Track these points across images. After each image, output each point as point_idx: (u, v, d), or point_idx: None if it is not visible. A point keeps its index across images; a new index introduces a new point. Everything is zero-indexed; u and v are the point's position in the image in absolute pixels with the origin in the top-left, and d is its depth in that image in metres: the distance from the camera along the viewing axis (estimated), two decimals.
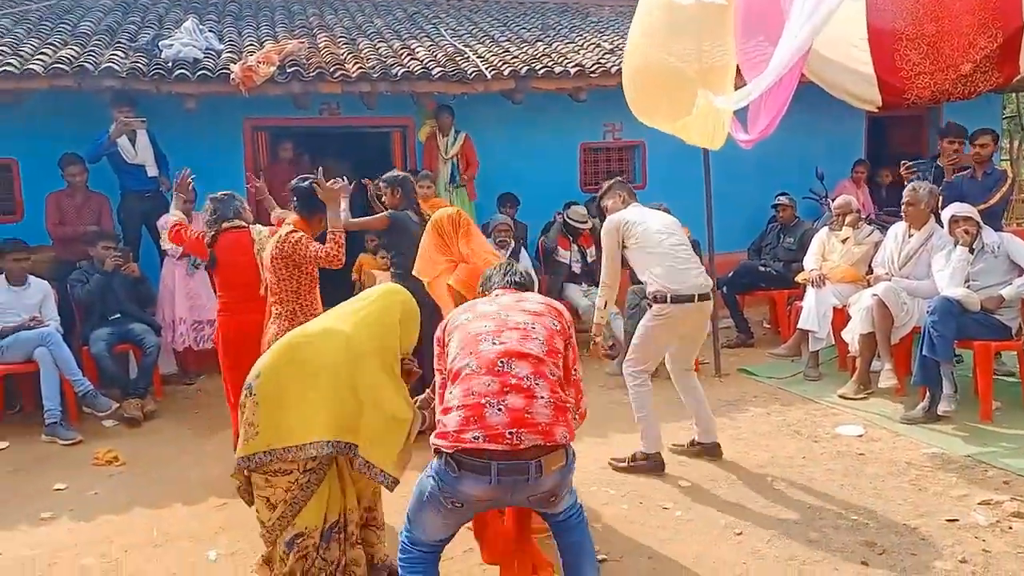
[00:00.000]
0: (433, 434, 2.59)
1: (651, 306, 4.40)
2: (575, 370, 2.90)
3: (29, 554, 3.80)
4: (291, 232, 4.10)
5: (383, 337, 3.09)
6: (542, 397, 2.56)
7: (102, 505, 4.34)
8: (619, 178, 4.95)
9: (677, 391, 4.64)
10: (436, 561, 2.77)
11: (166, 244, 4.94)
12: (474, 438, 2.46)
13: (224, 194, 4.78)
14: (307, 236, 4.12)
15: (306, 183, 4.18)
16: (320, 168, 4.35)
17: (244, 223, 4.75)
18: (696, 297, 4.33)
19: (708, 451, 4.66)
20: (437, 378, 2.85)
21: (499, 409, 2.49)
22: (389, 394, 3.00)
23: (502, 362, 2.58)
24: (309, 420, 2.93)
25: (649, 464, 4.48)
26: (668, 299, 4.31)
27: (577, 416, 2.93)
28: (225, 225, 4.65)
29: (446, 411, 2.56)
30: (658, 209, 4.81)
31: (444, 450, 2.51)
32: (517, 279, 3.09)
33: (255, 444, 2.96)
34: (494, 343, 2.63)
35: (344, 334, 3.03)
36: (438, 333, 2.89)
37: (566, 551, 2.82)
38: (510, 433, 2.47)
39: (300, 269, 4.10)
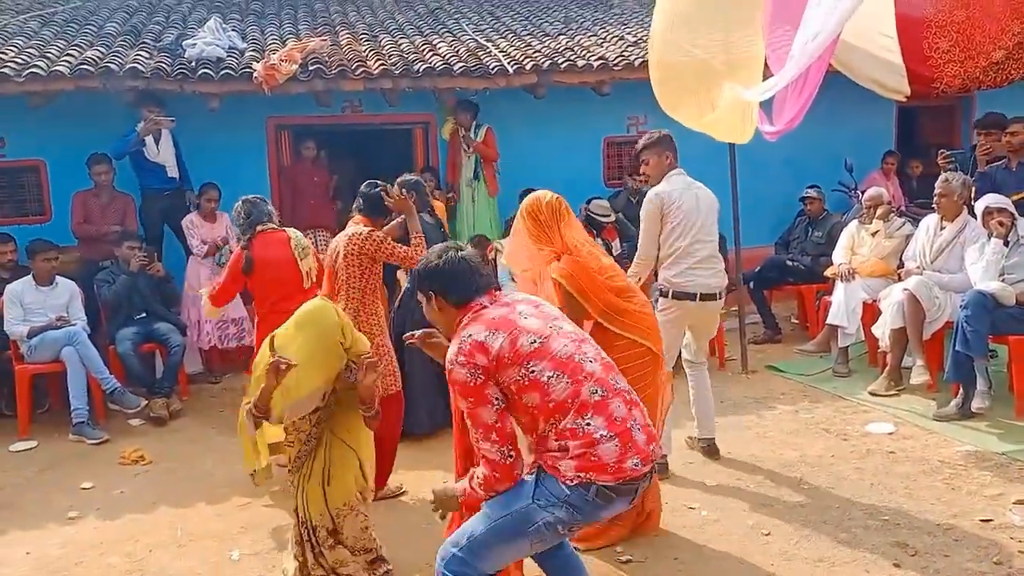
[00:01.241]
0: (574, 465, 2.36)
1: (657, 300, 4.39)
2: None
3: (56, 553, 3.84)
4: (372, 232, 4.18)
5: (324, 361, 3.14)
6: (640, 403, 2.55)
7: (128, 504, 4.38)
8: (667, 132, 4.63)
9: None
10: None
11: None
12: (634, 465, 2.38)
13: (256, 197, 4.78)
14: (388, 237, 4.23)
15: (375, 190, 4.30)
16: (394, 187, 4.42)
17: (275, 226, 4.76)
18: (698, 296, 4.28)
19: (703, 448, 4.59)
20: (490, 416, 2.42)
21: (639, 428, 2.44)
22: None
23: (611, 379, 2.48)
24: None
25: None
26: (671, 295, 4.31)
27: None
28: (259, 228, 4.64)
29: (592, 443, 2.35)
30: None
31: (603, 483, 2.35)
32: (495, 284, 2.73)
33: None
34: (591, 361, 2.47)
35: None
36: (483, 362, 2.40)
37: (559, 568, 2.75)
38: (652, 450, 2.46)
39: (371, 269, 4.18)
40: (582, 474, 2.35)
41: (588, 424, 2.37)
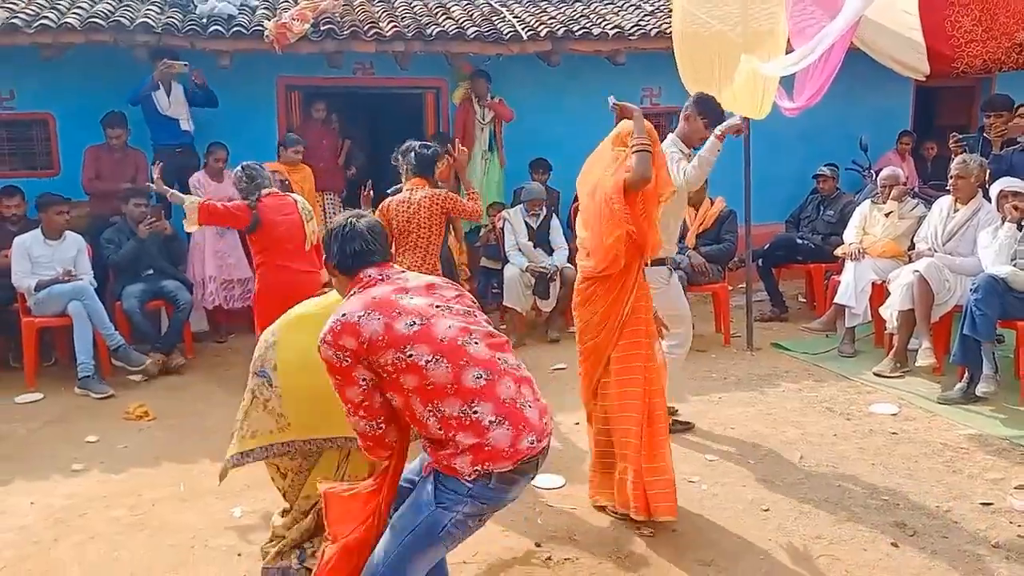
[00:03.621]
0: (470, 460, 2.28)
1: (672, 271, 4.47)
2: None
3: (60, 504, 3.89)
4: (447, 191, 4.60)
5: None
6: (531, 379, 2.50)
7: (132, 458, 4.42)
8: None
9: None
10: None
11: (191, 227, 4.91)
12: (530, 443, 2.32)
13: (256, 163, 4.93)
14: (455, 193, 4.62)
15: (429, 151, 4.62)
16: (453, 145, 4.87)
17: (277, 192, 4.94)
18: None
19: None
20: (356, 395, 2.36)
21: (530, 405, 2.39)
22: None
23: (498, 358, 2.41)
24: (332, 414, 2.79)
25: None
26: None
27: None
28: (263, 192, 4.82)
29: (481, 432, 2.29)
30: None
31: (502, 469, 2.30)
32: (389, 257, 2.59)
33: (287, 434, 2.98)
34: (477, 343, 2.39)
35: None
36: (352, 345, 2.30)
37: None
38: (545, 423, 2.42)
39: (444, 227, 4.58)
40: (479, 467, 2.29)
41: (475, 412, 2.30)
